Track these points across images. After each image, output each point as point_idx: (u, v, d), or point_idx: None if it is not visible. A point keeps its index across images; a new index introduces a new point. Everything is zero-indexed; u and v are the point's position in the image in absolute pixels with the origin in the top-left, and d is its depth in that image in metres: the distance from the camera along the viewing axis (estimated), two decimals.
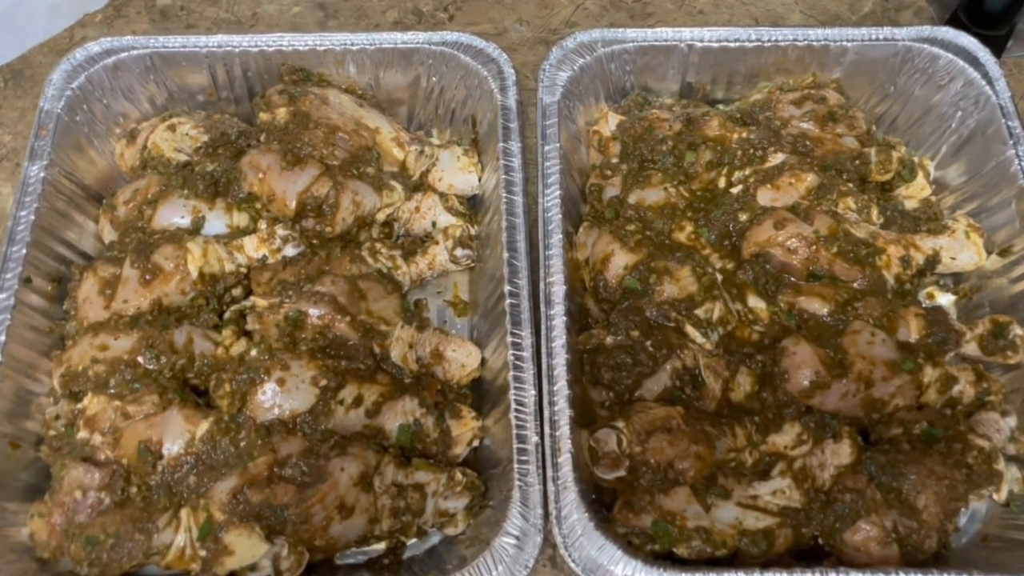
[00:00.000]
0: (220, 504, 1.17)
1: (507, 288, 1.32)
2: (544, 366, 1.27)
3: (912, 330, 1.39)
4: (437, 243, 1.48)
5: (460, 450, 1.31)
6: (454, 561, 1.18)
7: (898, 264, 1.46)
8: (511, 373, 1.25)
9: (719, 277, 1.43)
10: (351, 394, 1.28)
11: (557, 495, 1.17)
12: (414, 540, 1.29)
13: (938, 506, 1.24)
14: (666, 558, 1.19)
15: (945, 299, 1.53)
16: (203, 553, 1.16)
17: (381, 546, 1.28)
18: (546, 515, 1.17)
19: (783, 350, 1.34)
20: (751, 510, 1.24)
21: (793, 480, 1.28)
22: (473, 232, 1.50)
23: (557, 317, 1.30)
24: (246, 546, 1.14)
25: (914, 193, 1.59)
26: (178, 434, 1.22)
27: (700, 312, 1.37)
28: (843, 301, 1.40)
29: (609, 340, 1.34)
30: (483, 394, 1.38)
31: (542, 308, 1.32)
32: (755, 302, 1.42)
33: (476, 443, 1.33)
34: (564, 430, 1.21)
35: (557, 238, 1.37)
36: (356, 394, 1.29)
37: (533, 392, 1.25)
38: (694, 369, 1.33)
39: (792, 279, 1.43)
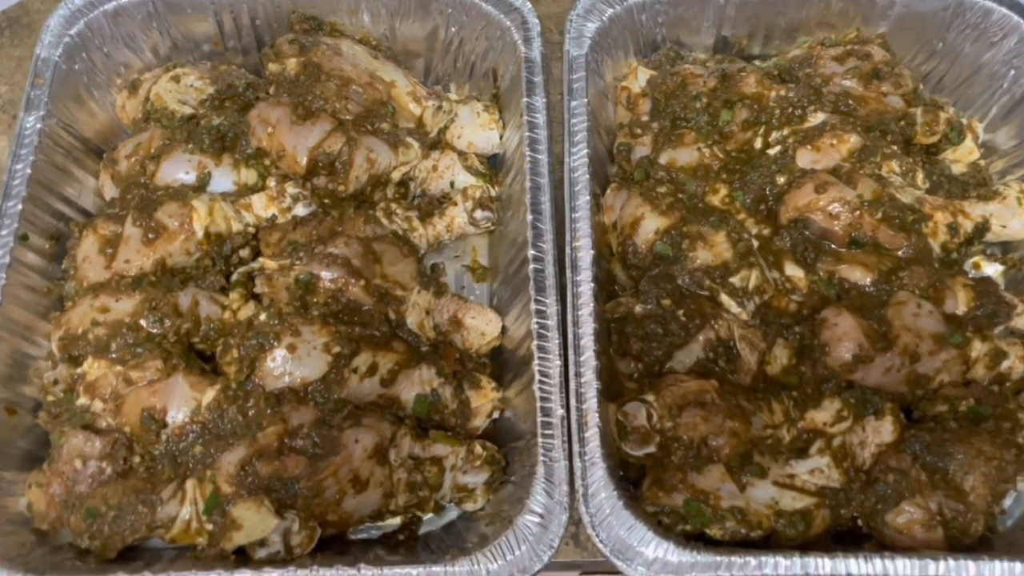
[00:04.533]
0: (227, 476, 1.12)
1: (531, 252, 1.26)
2: (570, 336, 1.21)
3: (960, 302, 1.33)
4: (455, 204, 1.41)
5: (479, 422, 1.26)
6: (474, 539, 1.13)
7: (945, 232, 1.40)
8: (535, 343, 1.20)
9: (755, 243, 1.37)
10: (365, 362, 1.23)
11: (584, 471, 1.12)
12: (431, 516, 1.24)
13: (986, 488, 1.18)
14: (698, 539, 1.14)
15: (992, 269, 1.46)
16: (210, 527, 1.11)
17: (396, 521, 1.23)
18: (572, 492, 1.12)
19: (823, 321, 1.28)
20: (788, 490, 1.19)
21: (832, 459, 1.22)
22: (494, 193, 1.44)
23: (584, 284, 1.24)
24: (255, 520, 1.09)
25: (961, 157, 1.51)
26: (183, 402, 1.17)
27: (735, 280, 1.31)
28: (887, 270, 1.34)
29: (638, 309, 1.28)
30: (503, 364, 1.33)
31: (568, 274, 1.25)
32: (793, 270, 1.35)
33: (496, 415, 1.28)
34: (591, 403, 1.16)
35: (584, 200, 1.31)
36: (371, 362, 1.23)
37: (558, 363, 1.19)
38: (728, 341, 1.27)
39: (833, 246, 1.37)
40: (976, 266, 1.47)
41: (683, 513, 1.15)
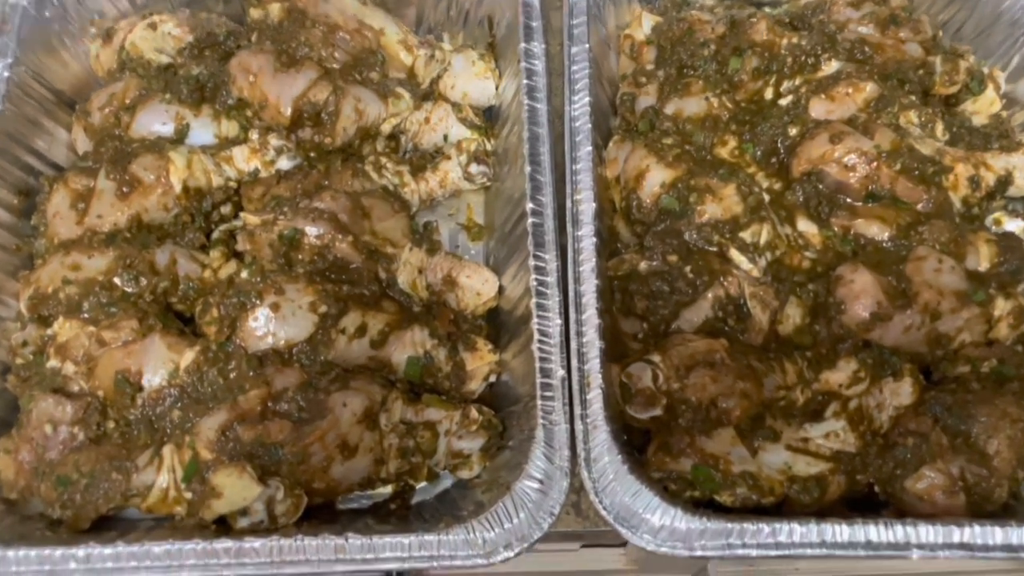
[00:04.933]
0: (207, 441, 1.05)
1: (529, 206, 1.19)
2: (571, 293, 1.14)
3: (982, 258, 1.26)
4: (449, 158, 1.34)
5: (475, 386, 1.20)
6: (470, 507, 1.07)
7: (966, 185, 1.32)
8: (534, 300, 1.13)
9: (766, 198, 1.30)
10: (354, 322, 1.16)
11: (586, 435, 1.06)
12: (424, 484, 1.18)
13: (1011, 451, 1.12)
14: (707, 506, 1.08)
15: (1014, 225, 1.39)
16: (188, 495, 1.05)
17: (388, 490, 1.17)
18: (573, 457, 1.05)
19: (839, 278, 1.21)
20: (802, 454, 1.13)
21: (848, 422, 1.16)
22: (490, 147, 1.37)
23: (586, 239, 1.17)
24: (236, 488, 1.03)
25: (982, 108, 1.44)
26: (160, 363, 1.11)
27: (746, 235, 1.24)
28: (905, 225, 1.27)
29: (643, 266, 1.21)
30: (500, 326, 1.26)
31: (568, 229, 1.19)
32: (806, 226, 1.28)
33: (493, 378, 1.21)
34: (594, 363, 1.09)
35: (586, 151, 1.24)
36: (360, 322, 1.17)
37: (559, 322, 1.12)
38: (739, 298, 1.20)
39: (848, 200, 1.30)
40: (998, 222, 1.40)
41: (691, 479, 1.08)
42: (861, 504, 1.15)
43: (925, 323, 1.19)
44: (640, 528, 1.01)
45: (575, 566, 1.51)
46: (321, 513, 1.12)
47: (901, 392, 1.17)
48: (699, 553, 0.99)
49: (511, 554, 0.99)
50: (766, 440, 1.12)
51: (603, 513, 1.01)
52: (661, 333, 1.19)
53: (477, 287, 1.25)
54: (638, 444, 1.15)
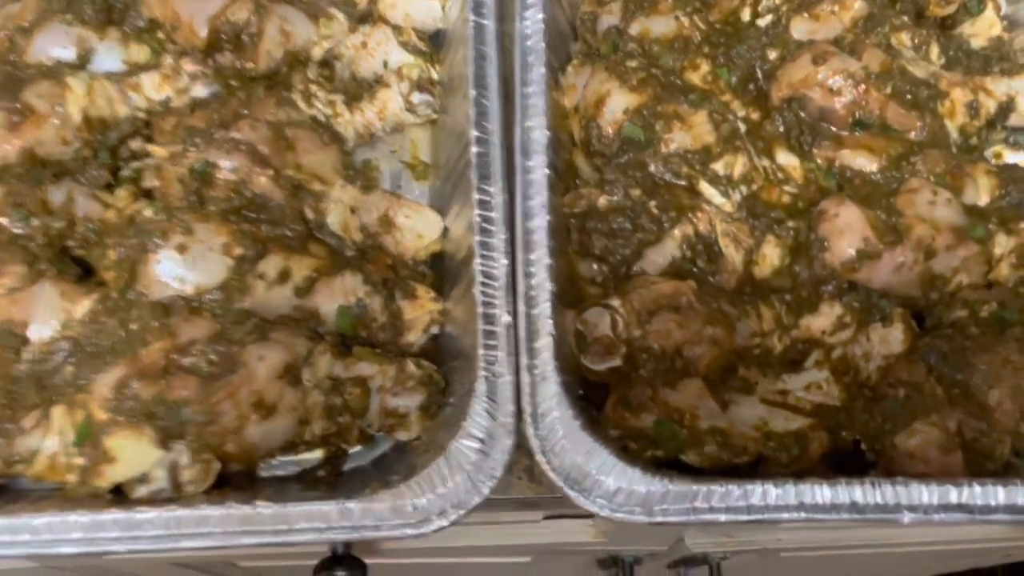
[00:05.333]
0: (102, 400, 0.93)
1: (473, 133, 1.06)
2: (519, 230, 1.01)
3: (981, 190, 1.14)
4: (388, 86, 1.20)
5: (414, 337, 1.07)
6: (403, 471, 0.94)
7: (964, 112, 1.20)
8: (477, 238, 1.00)
9: (742, 127, 1.17)
10: (275, 267, 1.03)
11: (533, 388, 0.93)
12: (359, 448, 1.06)
13: (1014, 403, 1.00)
14: (671, 467, 0.96)
15: (1017, 159, 1.27)
16: (80, 461, 0.92)
17: (318, 455, 1.05)
18: (519, 413, 0.93)
19: (822, 213, 1.09)
20: (779, 408, 1.01)
21: (832, 372, 1.04)
22: (435, 75, 1.23)
23: (537, 170, 1.04)
24: (133, 452, 0.91)
25: (981, 31, 1.31)
26: (51, 313, 0.98)
27: (718, 166, 1.11)
28: (896, 155, 1.14)
29: (603, 201, 1.08)
30: (445, 274, 1.13)
31: (518, 160, 1.05)
32: (786, 158, 1.16)
33: (435, 330, 1.09)
34: (543, 307, 0.97)
35: (539, 73, 1.10)
36: (282, 267, 1.04)
37: (505, 262, 0.99)
38: (709, 236, 1.08)
39: (833, 129, 1.17)
40: (998, 156, 1.28)
41: (653, 436, 0.96)
42: (846, 464, 1.03)
43: (918, 262, 1.07)
44: (593, 492, 0.89)
45: (537, 539, 1.39)
46: (238, 480, 1.00)
47: (891, 339, 1.06)
48: (660, 519, 0.87)
49: (445, 523, 0.87)
50: (739, 392, 1.00)
51: (550, 475, 0.89)
52: (622, 276, 1.07)
53: (418, 228, 1.12)
54: (597, 400, 1.03)
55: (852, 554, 1.61)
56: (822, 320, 1.06)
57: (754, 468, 0.99)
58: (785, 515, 0.87)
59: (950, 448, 0.99)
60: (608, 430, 0.98)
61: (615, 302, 1.01)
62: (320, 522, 0.87)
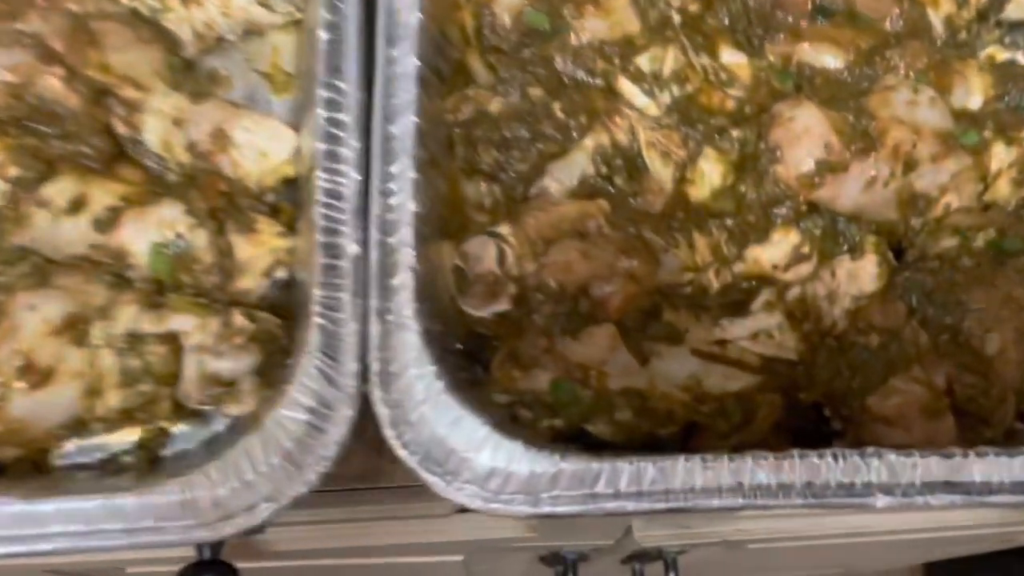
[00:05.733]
0: None
1: (323, 15, 0.82)
2: (377, 137, 0.78)
3: (974, 90, 0.92)
4: None
5: (252, 283, 0.83)
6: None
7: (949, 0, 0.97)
8: (320, 146, 0.77)
9: (677, 18, 0.94)
10: (65, 192, 0.80)
11: (385, 339, 0.70)
12: (185, 428, 0.83)
13: (1019, 351, 0.79)
14: (574, 440, 0.74)
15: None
16: None
17: (133, 437, 0.82)
18: (365, 373, 0.70)
19: (774, 117, 0.86)
20: (717, 363, 0.78)
21: (786, 318, 0.82)
22: None
23: (404, 61, 0.81)
24: None
25: None
26: None
27: (643, 61, 0.88)
28: (868, 49, 0.91)
29: (495, 104, 0.85)
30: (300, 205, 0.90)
31: (380, 48, 0.82)
32: (732, 56, 0.92)
33: (281, 274, 0.85)
34: (404, 234, 0.74)
35: None
36: (75, 193, 0.80)
37: (356, 176, 0.76)
38: (630, 148, 0.85)
39: (789, 19, 0.94)
40: (992, 58, 1.05)
41: (550, 401, 0.74)
42: (806, 436, 0.81)
43: (895, 176, 0.84)
44: (459, 474, 0.66)
45: (453, 535, 1.17)
46: (18, 473, 0.77)
47: (862, 275, 0.83)
48: (548, 509, 0.64)
49: (254, 521, 0.64)
50: (663, 343, 0.77)
51: (401, 454, 0.66)
52: (518, 199, 0.84)
53: (262, 145, 0.88)
54: (486, 362, 0.80)
55: (828, 544, 1.40)
56: (774, 251, 0.83)
57: (684, 441, 0.77)
58: (717, 502, 0.65)
59: (938, 410, 0.77)
60: (493, 394, 0.75)
61: (504, 229, 0.78)
62: (80, 523, 0.64)
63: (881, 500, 0.64)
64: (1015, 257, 0.85)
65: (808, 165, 0.83)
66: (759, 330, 0.80)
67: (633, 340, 0.76)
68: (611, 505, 0.64)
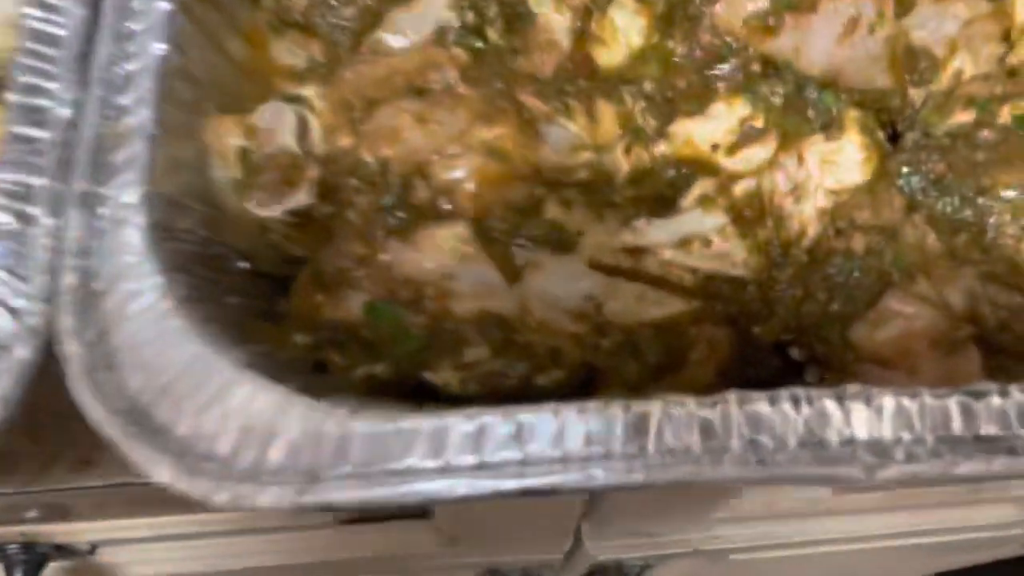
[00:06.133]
0: None
1: None
2: None
3: None
4: None
5: None
6: None
7: None
8: None
9: None
10: None
11: (93, 242, 0.46)
12: None
13: None
14: (416, 396, 0.49)
15: None
16: None
17: None
18: (55, 294, 0.45)
19: None
20: (627, 280, 0.53)
21: (734, 221, 0.57)
22: None
23: None
24: None
25: None
26: None
27: None
28: None
29: None
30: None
31: None
32: None
33: None
34: (142, 92, 0.49)
35: None
36: None
37: (80, 11, 0.52)
38: None
39: None
40: None
41: (369, 337, 0.49)
42: (762, 383, 0.56)
43: (884, 18, 0.60)
44: (191, 449, 0.41)
45: (326, 552, 0.92)
46: None
47: (841, 161, 0.59)
48: (319, 497, 0.39)
49: None
50: (544, 249, 0.52)
51: (94, 416, 0.41)
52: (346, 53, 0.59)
53: None
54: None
55: (822, 552, 1.15)
56: (713, 126, 0.58)
57: (585, 386, 0.52)
58: (602, 474, 0.40)
59: (955, 343, 0.52)
60: (292, 334, 0.50)
61: (308, 90, 0.53)
62: None
63: (868, 469, 0.39)
64: None
65: (759, 2, 0.58)
66: (691, 235, 0.55)
67: (498, 246, 0.51)
68: (429, 487, 0.39)
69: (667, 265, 0.55)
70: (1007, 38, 0.65)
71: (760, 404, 0.41)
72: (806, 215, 0.58)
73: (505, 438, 0.40)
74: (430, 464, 0.40)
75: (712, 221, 0.56)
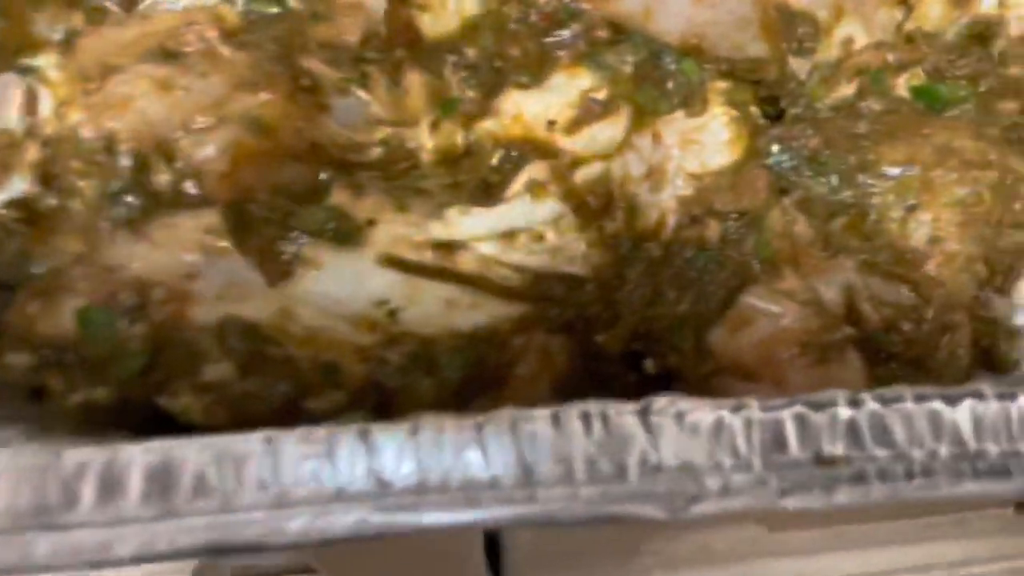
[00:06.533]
0: None
1: None
2: None
3: None
4: None
5: None
6: None
7: None
8: None
9: None
10: None
11: None
12: None
13: (968, 239, 0.45)
14: (153, 425, 0.39)
15: None
16: None
17: None
18: None
19: None
20: (431, 280, 0.44)
21: (576, 208, 0.49)
22: None
23: None
24: None
25: None
26: None
27: None
28: None
29: None
30: None
31: None
32: None
33: None
34: None
35: None
36: None
37: None
38: None
39: None
40: None
41: (87, 352, 0.39)
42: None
43: None
44: None
45: None
46: None
47: (704, 139, 0.51)
48: None
49: None
50: (323, 243, 0.43)
51: None
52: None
53: None
54: None
55: None
56: (547, 99, 0.50)
57: (384, 407, 0.42)
58: (344, 520, 0.30)
59: (829, 348, 0.43)
60: (5, 356, 0.40)
61: (44, 59, 0.44)
62: None
63: (673, 505, 0.29)
64: (954, 105, 0.52)
65: None
66: (518, 227, 0.46)
67: (260, 239, 0.41)
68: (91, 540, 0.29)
69: (487, 262, 0.45)
70: (903, 1, 0.58)
71: (540, 424, 0.31)
72: (664, 204, 0.49)
73: (215, 474, 0.31)
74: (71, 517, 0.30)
75: (544, 211, 0.47)
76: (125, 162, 0.40)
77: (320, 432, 0.31)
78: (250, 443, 0.31)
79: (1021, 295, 0.51)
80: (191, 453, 0.31)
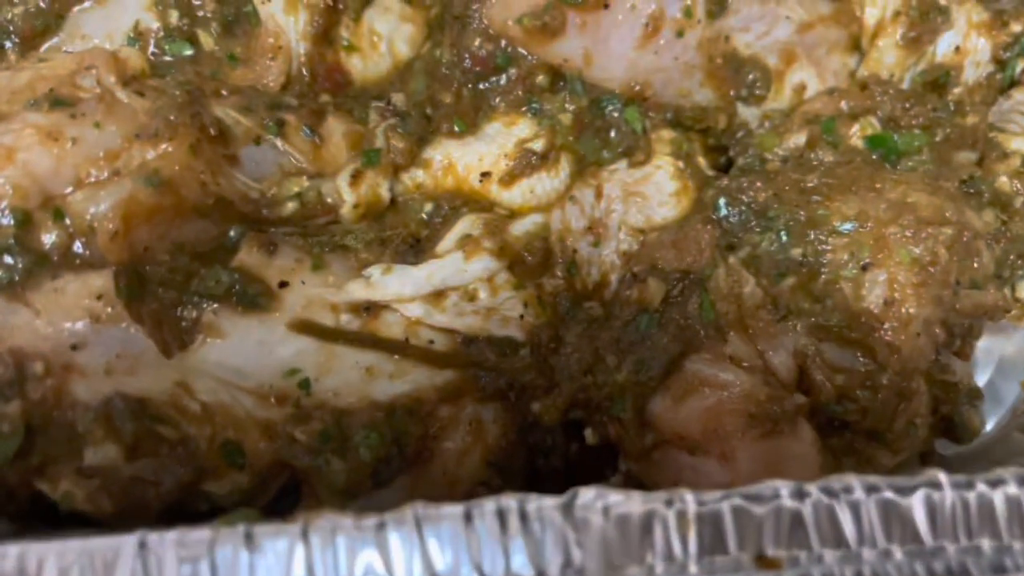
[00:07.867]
0: None
1: None
2: None
3: None
4: None
5: None
6: None
7: None
8: None
9: None
10: None
11: None
12: None
13: (926, 301, 0.44)
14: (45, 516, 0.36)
15: None
16: None
17: None
18: None
19: None
20: (352, 348, 0.41)
21: (511, 265, 0.46)
22: None
23: None
24: None
25: None
26: None
27: None
28: None
29: None
30: None
31: None
32: None
33: None
34: None
35: None
36: None
37: None
38: None
39: None
40: None
41: None
42: (543, 479, 0.44)
43: (692, 17, 0.50)
44: None
45: None
46: None
47: (649, 191, 0.49)
48: None
49: None
50: (228, 308, 0.40)
51: None
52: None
53: None
54: None
55: None
56: (481, 150, 0.48)
57: (276, 509, 0.39)
58: None
59: (780, 419, 0.41)
60: None
61: None
62: None
63: None
64: (908, 156, 0.51)
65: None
66: (447, 286, 0.44)
67: (158, 304, 0.38)
68: None
69: (413, 325, 0.43)
70: (857, 46, 0.57)
71: (448, 523, 0.28)
72: (607, 260, 0.47)
73: None
74: None
75: (477, 268, 0.45)
76: (5, 220, 0.37)
77: (201, 534, 0.28)
78: (122, 545, 0.28)
79: (979, 355, 0.50)
80: (51, 555, 0.28)
